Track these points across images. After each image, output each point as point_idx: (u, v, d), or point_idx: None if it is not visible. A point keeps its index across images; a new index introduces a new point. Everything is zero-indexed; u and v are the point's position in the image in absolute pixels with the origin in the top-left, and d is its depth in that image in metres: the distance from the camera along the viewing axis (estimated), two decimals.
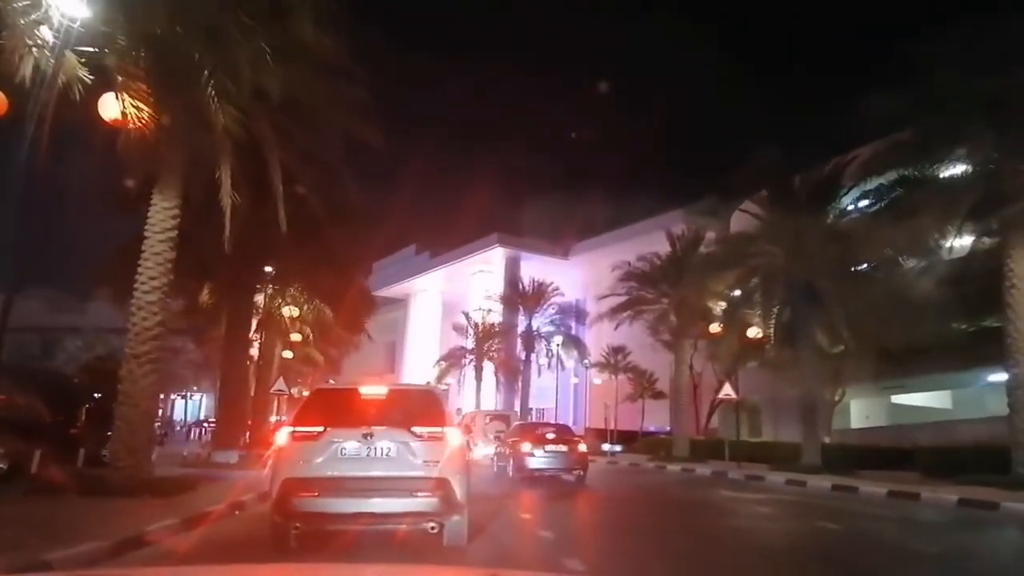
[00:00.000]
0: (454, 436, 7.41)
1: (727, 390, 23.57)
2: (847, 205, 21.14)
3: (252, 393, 23.88)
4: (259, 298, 23.81)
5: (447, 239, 59.52)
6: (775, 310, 22.57)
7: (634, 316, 29.17)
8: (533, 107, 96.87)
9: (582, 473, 17.71)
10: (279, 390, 20.63)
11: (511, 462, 18.29)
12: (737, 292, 25.44)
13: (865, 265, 22.13)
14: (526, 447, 17.61)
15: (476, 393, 45.29)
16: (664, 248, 28.83)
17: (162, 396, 69.33)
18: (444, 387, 53.76)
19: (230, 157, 10.74)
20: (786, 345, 22.88)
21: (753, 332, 23.58)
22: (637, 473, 23.75)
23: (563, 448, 17.73)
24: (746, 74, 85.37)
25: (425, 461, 7.00)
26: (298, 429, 7.18)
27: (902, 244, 17.62)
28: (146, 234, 11.52)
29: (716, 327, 25.03)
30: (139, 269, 11.51)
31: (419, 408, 7.55)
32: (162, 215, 11.49)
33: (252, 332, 25.52)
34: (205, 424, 47.39)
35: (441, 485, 6.93)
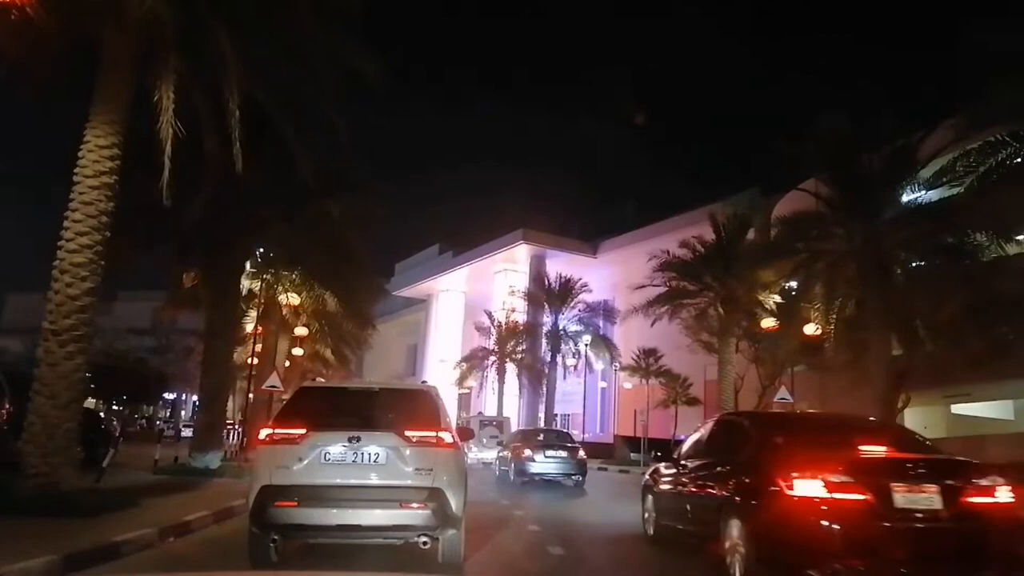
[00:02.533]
0: (450, 441, 6.55)
1: (783, 393, 20.67)
2: (927, 181, 18.21)
3: (250, 391, 21.50)
4: (256, 286, 21.49)
5: (472, 240, 57.44)
6: (837, 303, 19.74)
7: (673, 311, 26.22)
8: (558, 105, 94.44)
9: (581, 478, 18.31)
10: (272, 386, 18.21)
11: (512, 466, 18.73)
12: (792, 284, 22.67)
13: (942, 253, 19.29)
14: (527, 452, 18.26)
15: (498, 397, 42.64)
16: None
17: (172, 396, 68.13)
18: (466, 390, 51.41)
19: (172, 73, 8.27)
20: (848, 344, 20.00)
21: (811, 329, 20.66)
22: None
23: (563, 454, 18.42)
24: (777, 59, 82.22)
25: (417, 469, 6.28)
26: (278, 431, 6.45)
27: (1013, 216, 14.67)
28: (75, 178, 9.07)
29: (770, 322, 22.12)
30: (64, 224, 9.07)
31: (412, 409, 6.82)
32: (95, 155, 9.03)
33: (249, 323, 23.21)
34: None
35: (434, 496, 6.21)
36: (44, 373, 8.79)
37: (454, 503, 6.27)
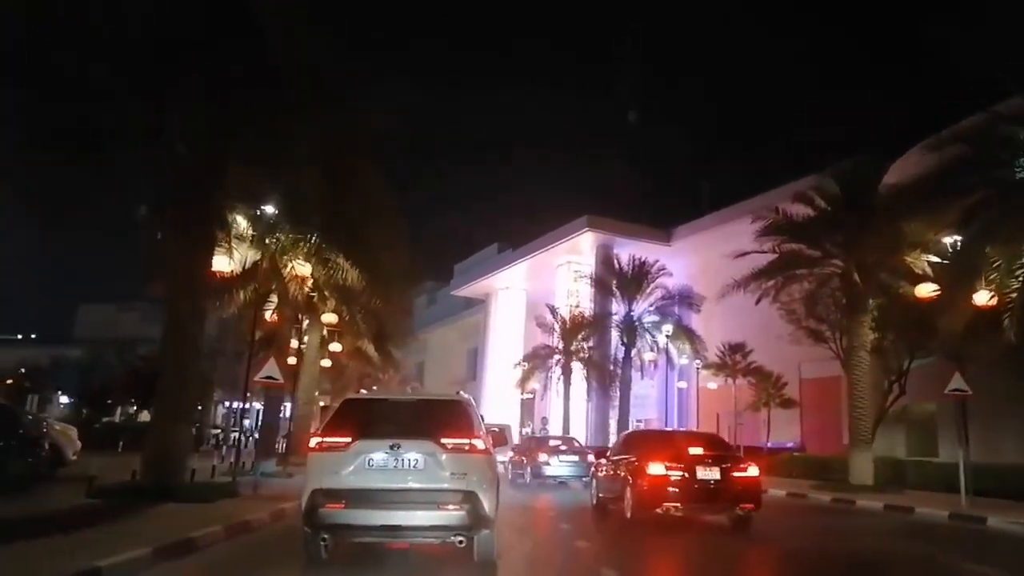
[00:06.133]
0: (482, 447, 7.18)
1: (957, 383, 15.14)
2: None
3: (248, 389, 17.26)
4: (258, 255, 17.23)
5: (533, 236, 52.81)
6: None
7: (782, 285, 20.83)
8: (615, 91, 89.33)
9: (590, 479, 19.08)
10: (268, 376, 13.89)
11: (528, 469, 20.74)
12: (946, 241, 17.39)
13: None
14: (543, 457, 20.52)
15: (564, 400, 37.69)
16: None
17: (236, 404, 65.88)
18: (528, 395, 46.49)
19: None
20: None
21: (982, 298, 15.27)
22: (840, 520, 15.47)
23: (575, 458, 20.65)
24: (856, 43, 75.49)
25: (453, 473, 6.89)
26: (326, 439, 7.11)
27: None
28: None
29: (928, 288, 16.67)
30: None
31: (448, 418, 7.40)
32: None
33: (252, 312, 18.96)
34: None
35: (469, 498, 6.80)
36: None
37: (487, 505, 6.90)
